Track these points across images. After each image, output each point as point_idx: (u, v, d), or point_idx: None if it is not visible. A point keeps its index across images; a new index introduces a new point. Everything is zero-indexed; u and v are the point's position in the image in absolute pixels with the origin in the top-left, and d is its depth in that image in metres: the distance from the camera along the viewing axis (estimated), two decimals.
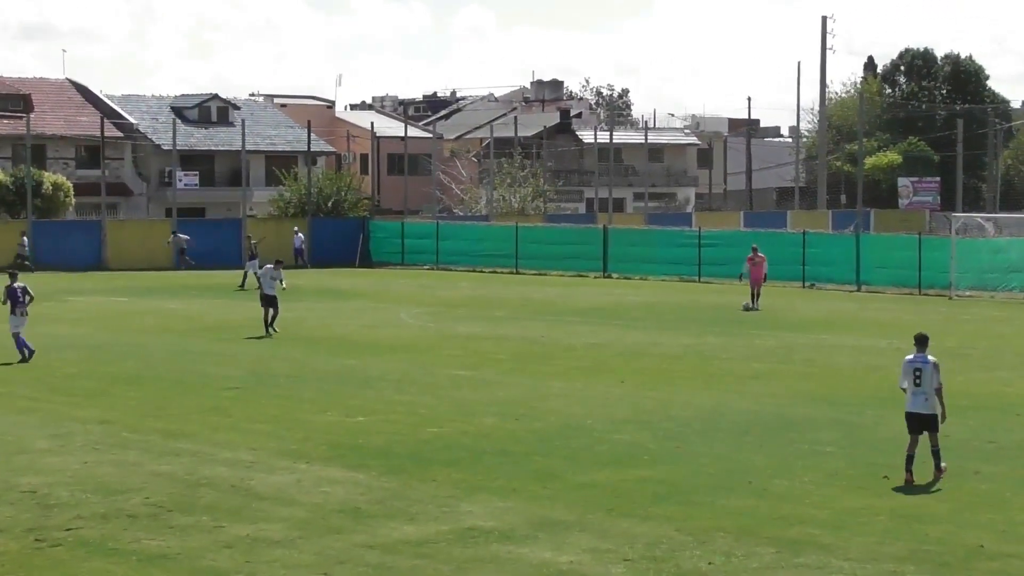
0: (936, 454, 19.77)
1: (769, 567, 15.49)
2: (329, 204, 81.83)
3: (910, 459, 19.52)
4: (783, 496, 18.98)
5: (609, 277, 66.64)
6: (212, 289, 55.69)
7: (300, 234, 74.72)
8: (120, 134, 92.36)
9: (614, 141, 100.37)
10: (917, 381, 19.76)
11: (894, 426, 24.44)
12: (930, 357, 19.88)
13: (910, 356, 20.16)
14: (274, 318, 39.44)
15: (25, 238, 68.49)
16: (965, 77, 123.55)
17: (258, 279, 42.73)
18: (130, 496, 19.06)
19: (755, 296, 48.15)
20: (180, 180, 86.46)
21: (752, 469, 20.74)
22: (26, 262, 63.07)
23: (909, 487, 19.40)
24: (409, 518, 17.75)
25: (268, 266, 40.99)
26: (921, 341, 20.16)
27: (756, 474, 20.36)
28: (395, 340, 38.59)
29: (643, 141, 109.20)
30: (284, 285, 41.29)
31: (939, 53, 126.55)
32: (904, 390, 20.06)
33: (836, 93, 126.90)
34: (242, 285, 56.63)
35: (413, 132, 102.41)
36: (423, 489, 19.40)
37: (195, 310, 47.99)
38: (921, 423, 19.73)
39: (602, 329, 41.67)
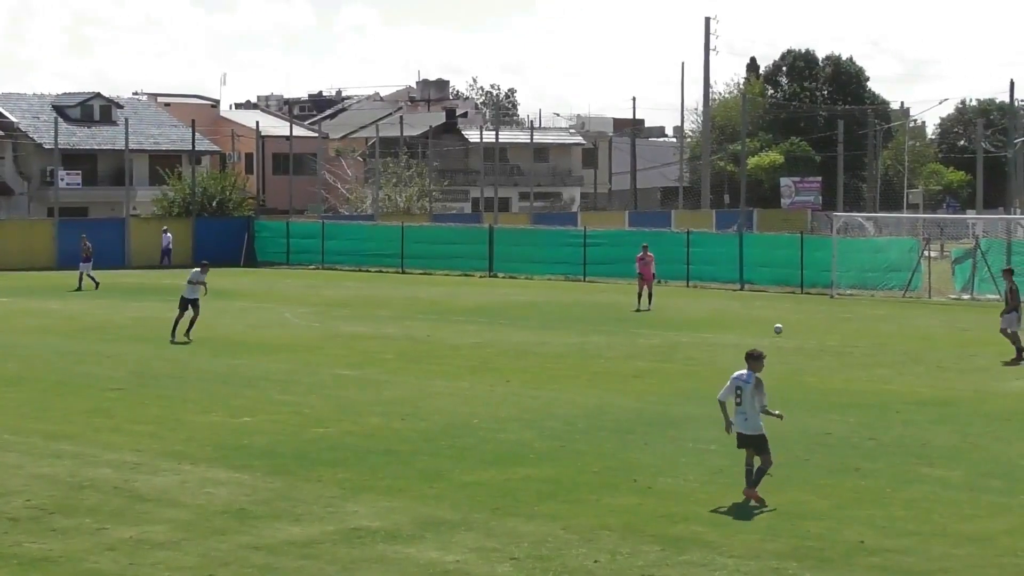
0: (759, 473, 18.49)
1: (654, 564, 15.57)
2: (214, 204, 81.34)
3: (748, 472, 18.57)
4: (667, 494, 19.09)
5: (495, 276, 66.73)
6: (96, 291, 55.03)
7: (168, 234, 74.15)
8: (0, 132, 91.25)
9: (500, 141, 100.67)
10: (738, 400, 18.53)
11: (776, 425, 24.67)
12: (756, 375, 18.49)
13: (738, 372, 18.76)
14: (192, 323, 37.91)
15: None
16: (846, 78, 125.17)
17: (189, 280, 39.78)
18: (11, 499, 18.80)
19: (643, 295, 48.02)
20: (62, 179, 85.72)
21: (637, 467, 20.84)
22: None
23: (788, 487, 19.54)
24: (294, 519, 17.66)
25: (195, 270, 39.33)
26: (752, 357, 18.73)
27: (641, 472, 20.45)
28: (280, 340, 38.41)
29: (529, 141, 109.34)
30: (205, 291, 39.24)
31: (820, 54, 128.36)
32: (720, 402, 18.74)
33: (719, 94, 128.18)
34: (80, 287, 56.00)
35: (298, 131, 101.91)
36: (308, 489, 19.32)
37: (77, 310, 47.45)
38: (746, 442, 18.69)
39: (487, 328, 41.73)
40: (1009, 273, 35.74)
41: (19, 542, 16.61)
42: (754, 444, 18.57)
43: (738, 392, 18.48)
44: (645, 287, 48.34)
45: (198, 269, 39.27)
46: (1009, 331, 33.66)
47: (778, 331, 34.18)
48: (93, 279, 56.10)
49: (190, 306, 37.87)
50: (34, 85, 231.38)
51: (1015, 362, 33.08)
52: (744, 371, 18.58)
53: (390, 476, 20.21)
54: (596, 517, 17.68)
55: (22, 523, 17.52)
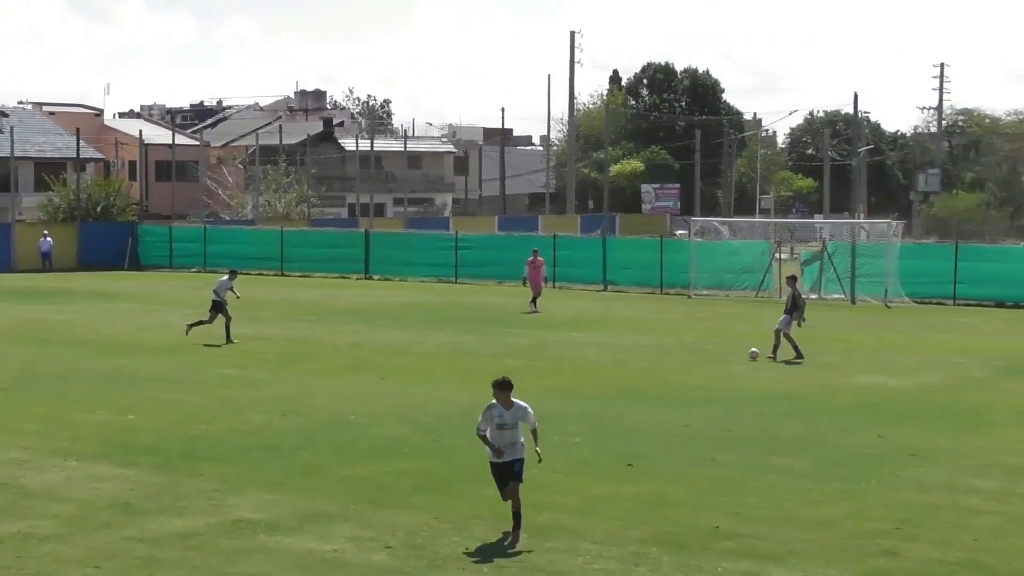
0: (517, 515, 16.16)
1: (523, 551, 15.65)
2: (98, 209, 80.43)
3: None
4: (535, 484, 19.13)
5: (371, 279, 66.63)
6: None
7: (49, 238, 73.15)
8: None
9: (375, 149, 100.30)
10: (502, 430, 16.10)
11: (638, 419, 24.94)
12: (518, 401, 16.21)
13: (493, 403, 16.19)
14: (227, 327, 37.09)
15: None
16: (702, 90, 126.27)
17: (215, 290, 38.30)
18: None
19: (535, 299, 47.77)
20: None
21: None
22: None
23: (649, 477, 19.73)
24: (178, 512, 17.55)
25: (223, 279, 38.58)
26: (502, 386, 16.18)
27: None
28: (164, 341, 38.06)
29: (402, 149, 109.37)
30: (238, 295, 38.50)
31: (678, 67, 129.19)
32: (482, 437, 16.29)
33: (584, 104, 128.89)
34: None
35: (180, 140, 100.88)
36: (192, 484, 19.20)
37: None
38: (505, 472, 16.22)
39: (364, 329, 41.66)
40: (792, 280, 35.66)
41: None
42: (513, 471, 16.20)
43: (499, 423, 16.12)
44: (535, 293, 47.97)
45: (226, 277, 38.71)
46: (783, 332, 33.70)
47: (753, 356, 33.25)
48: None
49: (221, 311, 37.21)
50: None
51: (796, 359, 33.30)
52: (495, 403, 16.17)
53: (271, 471, 20.14)
54: (468, 507, 17.74)
55: None
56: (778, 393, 28.26)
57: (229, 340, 36.67)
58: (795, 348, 33.49)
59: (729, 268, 56.72)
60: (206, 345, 36.03)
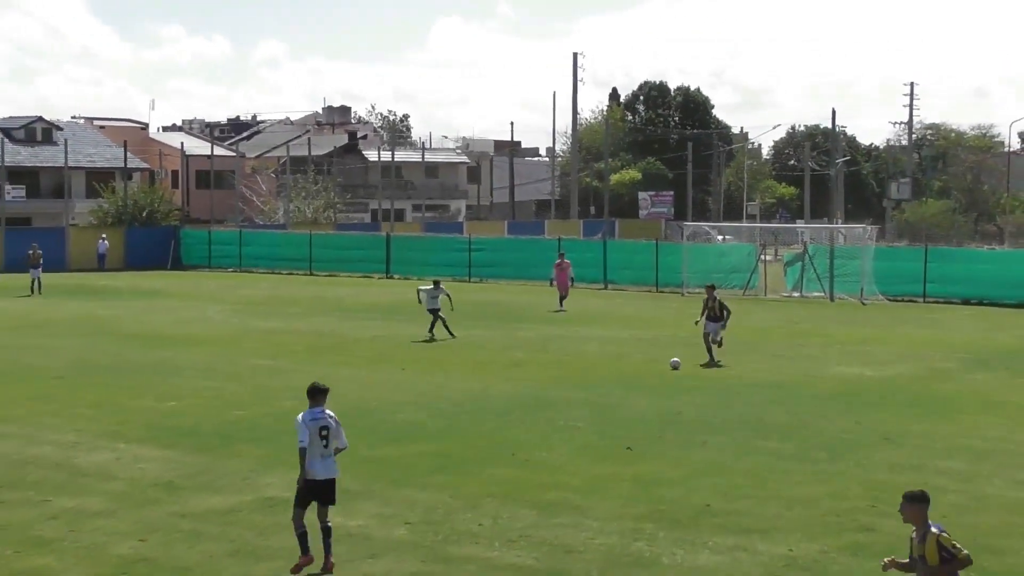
0: (328, 533, 14.18)
1: (531, 527, 15.64)
2: (144, 214, 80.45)
3: (303, 536, 14.04)
4: (542, 466, 19.18)
5: (392, 278, 66.54)
6: (38, 294, 54.12)
7: (105, 241, 73.28)
8: None
9: (395, 160, 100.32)
10: (325, 442, 14.26)
11: (636, 406, 24.91)
12: (329, 412, 14.44)
13: (308, 412, 14.32)
14: (445, 323, 36.76)
15: None
16: (694, 106, 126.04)
17: (418, 296, 38.36)
18: None
19: (562, 299, 46.90)
20: (8, 193, 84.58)
21: (515, 443, 20.92)
22: None
23: (646, 459, 19.68)
24: (216, 490, 17.56)
25: (427, 287, 37.81)
26: (316, 393, 14.45)
27: (519, 447, 20.54)
28: (203, 334, 38.08)
29: (420, 160, 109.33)
30: (451, 303, 37.32)
31: (672, 85, 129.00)
32: (303, 449, 14.15)
33: (586, 119, 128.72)
34: (32, 291, 53.29)
35: (219, 151, 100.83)
36: (228, 464, 19.21)
37: (21, 309, 46.72)
38: (322, 490, 14.30)
39: (385, 324, 41.63)
40: (711, 288, 33.00)
41: None
42: (329, 491, 14.39)
43: (323, 432, 14.27)
44: (562, 292, 47.09)
45: (431, 286, 37.69)
46: (712, 337, 31.49)
47: (675, 366, 29.76)
48: (39, 283, 53.94)
49: (437, 315, 36.87)
50: None
51: (715, 363, 30.87)
52: (314, 409, 14.37)
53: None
54: (480, 486, 17.73)
55: None
56: (764, 382, 28.22)
57: (452, 335, 36.38)
58: (710, 353, 31.27)
59: (719, 268, 56.54)
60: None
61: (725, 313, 31.41)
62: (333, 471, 14.36)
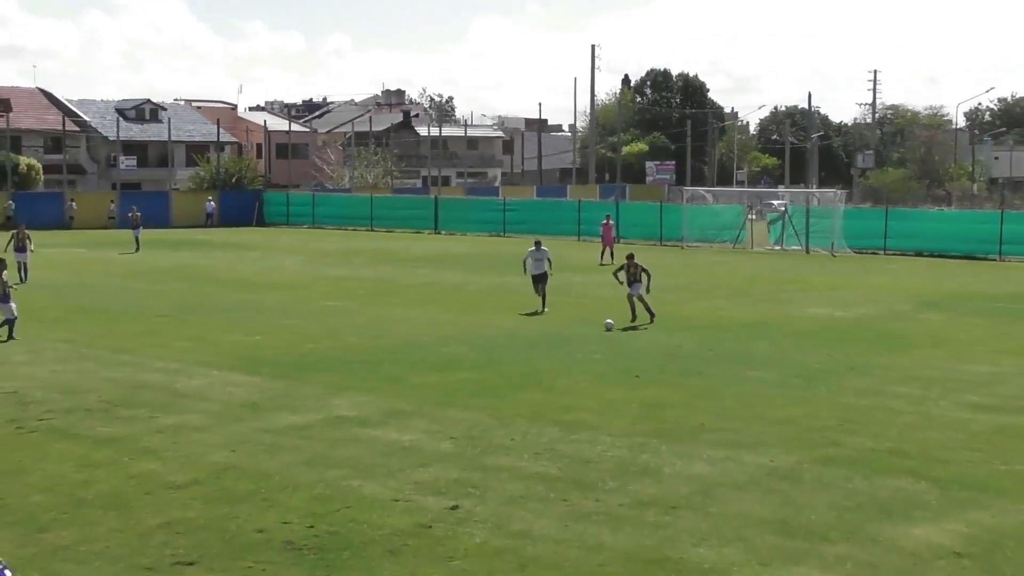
0: None
1: (555, 441, 15.66)
2: (233, 180, 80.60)
3: None
4: (564, 391, 19.19)
5: (439, 233, 66.59)
6: (145, 244, 54.28)
7: (212, 202, 73.68)
8: (77, 128, 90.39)
9: (442, 134, 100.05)
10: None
11: (642, 341, 24.89)
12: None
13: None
14: (544, 295, 30.19)
15: (11, 202, 67.48)
16: (692, 90, 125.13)
17: (524, 263, 31.37)
18: (87, 395, 18.65)
19: (604, 253, 45.56)
20: (122, 163, 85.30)
21: (541, 372, 20.92)
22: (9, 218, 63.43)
23: (651, 386, 19.67)
24: (293, 410, 17.62)
25: (531, 249, 30.99)
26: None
27: (544, 375, 20.54)
28: (282, 280, 38.19)
29: (463, 134, 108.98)
30: (551, 265, 30.67)
31: (674, 72, 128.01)
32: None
33: (602, 100, 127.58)
34: (137, 248, 50.94)
35: (295, 127, 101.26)
36: (303, 389, 19.27)
37: (133, 259, 46.97)
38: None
39: (433, 271, 41.66)
40: (630, 257, 28.57)
41: (93, 427, 16.50)
42: None
43: None
44: (607, 247, 45.98)
45: (533, 248, 30.95)
46: (635, 296, 27.93)
47: (608, 327, 26.40)
48: (138, 243, 52.22)
49: (540, 280, 30.39)
50: (101, 93, 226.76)
51: (634, 323, 27.28)
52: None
53: (363, 379, 20.19)
54: (512, 408, 17.75)
55: (95, 413, 17.38)
56: (750, 322, 28.14)
57: (544, 307, 29.96)
58: (633, 313, 27.66)
59: (713, 226, 56.52)
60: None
61: (645, 277, 27.95)
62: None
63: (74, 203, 69.97)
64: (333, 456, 14.90)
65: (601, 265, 44.92)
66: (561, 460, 14.70)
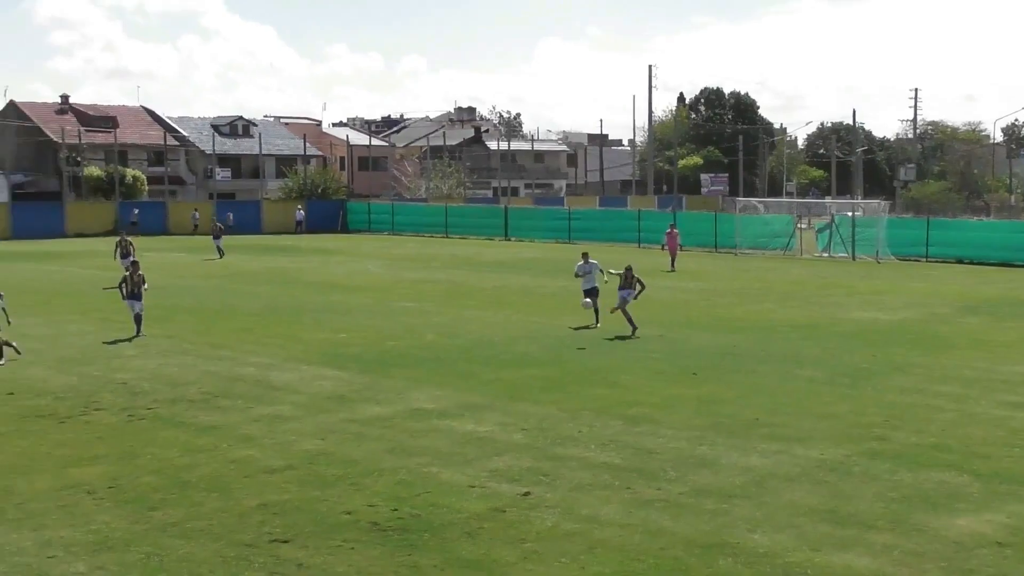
0: None
1: (619, 433, 15.68)
2: (319, 191, 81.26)
3: None
4: (627, 387, 19.18)
5: (509, 240, 66.65)
6: (238, 248, 54.93)
7: (301, 211, 74.31)
8: (177, 143, 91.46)
9: (510, 148, 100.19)
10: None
11: (699, 341, 24.79)
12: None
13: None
14: (597, 309, 27.11)
15: (196, 212, 69.83)
16: (744, 107, 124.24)
17: (576, 273, 27.91)
18: (189, 387, 18.95)
19: (673, 260, 44.58)
20: (218, 175, 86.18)
21: (605, 369, 20.92)
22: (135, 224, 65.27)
23: (708, 383, 19.61)
24: (376, 402, 17.78)
25: (579, 263, 27.73)
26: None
27: (608, 372, 20.54)
28: (365, 283, 38.45)
29: (530, 148, 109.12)
30: (606, 278, 27.58)
31: (726, 91, 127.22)
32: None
33: (659, 117, 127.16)
34: (220, 255, 48.91)
35: (375, 142, 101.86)
36: (385, 383, 19.43)
37: (228, 263, 47.49)
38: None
39: (504, 275, 41.73)
40: (628, 269, 26.65)
41: (195, 415, 16.77)
42: None
43: None
44: (672, 255, 44.84)
45: (581, 261, 27.76)
46: (621, 309, 26.10)
47: (586, 305, 26.58)
48: (220, 251, 49.92)
49: (591, 294, 27.27)
50: (198, 111, 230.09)
51: (595, 326, 26.53)
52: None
53: (440, 374, 20.31)
54: (579, 402, 17.78)
55: (197, 403, 17.67)
56: (800, 324, 27.92)
57: (597, 321, 27.07)
58: (630, 322, 25.76)
59: (764, 234, 56.03)
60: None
61: (638, 285, 26.49)
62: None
63: (197, 212, 70.60)
64: (414, 445, 15.02)
65: (671, 272, 43.56)
66: (625, 451, 14.71)
